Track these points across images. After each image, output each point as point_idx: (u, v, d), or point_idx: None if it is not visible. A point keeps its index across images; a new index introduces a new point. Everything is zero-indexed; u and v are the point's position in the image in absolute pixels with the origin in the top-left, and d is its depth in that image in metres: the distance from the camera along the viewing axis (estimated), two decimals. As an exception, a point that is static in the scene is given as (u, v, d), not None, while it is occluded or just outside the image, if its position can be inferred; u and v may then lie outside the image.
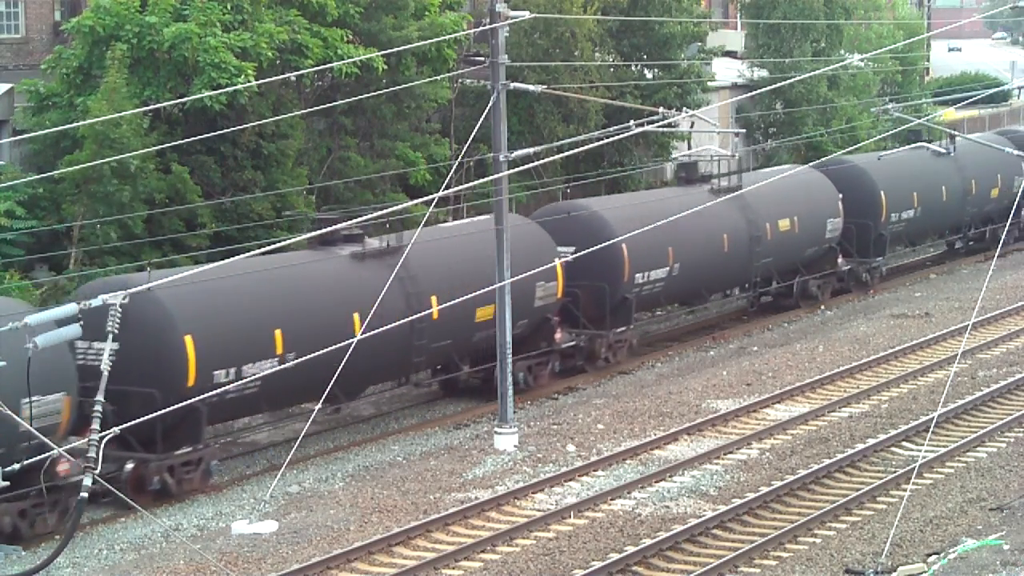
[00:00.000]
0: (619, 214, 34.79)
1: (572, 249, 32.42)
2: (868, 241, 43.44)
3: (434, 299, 29.09)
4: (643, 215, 33.58)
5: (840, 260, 42.68)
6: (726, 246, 37.98)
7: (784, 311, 41.47)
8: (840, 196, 42.23)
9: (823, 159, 43.83)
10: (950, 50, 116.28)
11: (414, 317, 27.37)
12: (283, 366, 25.35)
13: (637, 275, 34.91)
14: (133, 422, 14.86)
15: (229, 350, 25.63)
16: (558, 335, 33.27)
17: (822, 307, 42.28)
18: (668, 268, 35.99)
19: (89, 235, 30.66)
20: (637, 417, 29.58)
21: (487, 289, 27.14)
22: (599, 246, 29.07)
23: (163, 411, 17.13)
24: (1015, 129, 56.76)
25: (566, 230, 33.43)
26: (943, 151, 45.96)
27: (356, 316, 27.50)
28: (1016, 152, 35.07)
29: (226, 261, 19.74)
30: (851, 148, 46.82)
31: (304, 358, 21.93)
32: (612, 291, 34.25)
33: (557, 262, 32.18)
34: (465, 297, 24.60)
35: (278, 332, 26.42)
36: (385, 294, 25.83)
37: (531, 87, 30.36)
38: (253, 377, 25.45)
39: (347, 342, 21.76)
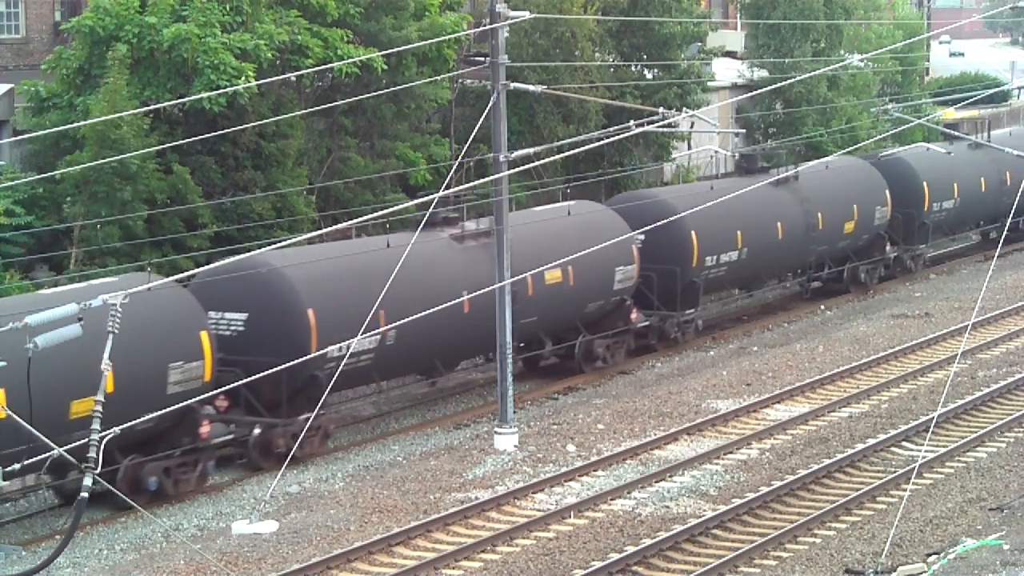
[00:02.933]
0: (688, 202, 35.81)
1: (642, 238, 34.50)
2: (912, 229, 45.80)
3: (530, 279, 31.23)
4: (712, 203, 34.72)
5: (888, 247, 44.97)
6: (781, 233, 40.12)
7: (835, 295, 43.63)
8: (887, 186, 44.56)
9: (874, 151, 47.13)
10: (952, 55, 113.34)
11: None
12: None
13: (707, 258, 37.27)
14: (130, 423, 14.78)
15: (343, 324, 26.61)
16: (634, 315, 35.26)
17: (822, 307, 42.33)
18: (737, 252, 38.46)
19: (89, 235, 30.68)
20: (637, 417, 29.59)
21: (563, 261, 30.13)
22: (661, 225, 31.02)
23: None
24: None
25: (638, 217, 34.71)
26: (977, 142, 48.33)
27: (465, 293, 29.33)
28: None
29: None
30: (851, 148, 46.79)
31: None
32: (682, 274, 36.48)
33: (634, 247, 34.61)
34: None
35: (381, 313, 26.97)
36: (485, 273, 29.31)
37: (531, 87, 30.37)
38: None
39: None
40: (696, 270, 36.77)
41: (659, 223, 30.64)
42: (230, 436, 26.38)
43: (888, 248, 44.96)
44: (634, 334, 35.70)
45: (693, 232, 36.10)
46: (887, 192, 44.26)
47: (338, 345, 25.80)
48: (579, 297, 33.79)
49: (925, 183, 46.10)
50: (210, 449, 25.83)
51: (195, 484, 25.86)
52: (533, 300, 31.91)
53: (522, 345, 33.30)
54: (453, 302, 26.68)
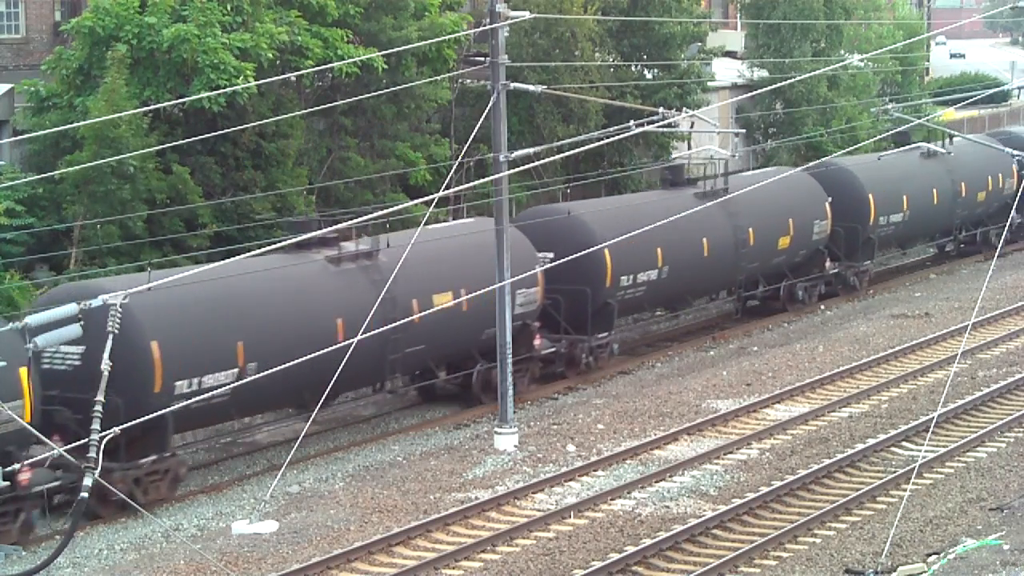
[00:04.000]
0: (600, 217, 34.39)
1: (552, 255, 31.64)
2: (856, 244, 43.16)
3: (415, 303, 29.34)
4: (628, 218, 33.57)
5: (828, 263, 42.23)
6: (707, 251, 37.28)
7: (773, 313, 41.12)
8: (829, 199, 41.67)
9: (816, 162, 42.75)
10: (952, 56, 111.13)
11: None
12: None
13: (622, 278, 34.57)
14: (116, 428, 14.63)
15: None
16: (537, 341, 32.80)
17: (822, 307, 42.31)
18: (657, 271, 35.67)
19: (89, 235, 30.68)
20: (637, 417, 29.59)
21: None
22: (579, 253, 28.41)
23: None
24: (1007, 130, 56.09)
25: (544, 236, 32.86)
26: (941, 151, 46.26)
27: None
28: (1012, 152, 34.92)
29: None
30: (851, 148, 46.80)
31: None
32: (594, 296, 33.76)
33: (538, 269, 31.56)
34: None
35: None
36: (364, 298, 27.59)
37: (531, 87, 30.36)
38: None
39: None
40: (610, 291, 34.02)
41: (576, 252, 28.09)
42: (57, 483, 23.83)
43: (828, 264, 41.87)
44: (540, 361, 33.13)
45: (607, 251, 32.78)
46: (827, 205, 41.27)
47: (187, 381, 24.77)
48: (474, 323, 30.77)
49: (871, 195, 43.15)
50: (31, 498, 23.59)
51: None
52: (420, 327, 28.81)
53: (418, 373, 31.64)
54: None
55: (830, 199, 41.51)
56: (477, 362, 31.66)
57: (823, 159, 44.15)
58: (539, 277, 32.21)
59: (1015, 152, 32.59)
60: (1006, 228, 36.03)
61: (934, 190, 46.41)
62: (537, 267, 31.51)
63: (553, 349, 33.43)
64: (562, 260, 28.55)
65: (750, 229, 38.76)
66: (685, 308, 39.44)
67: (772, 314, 40.99)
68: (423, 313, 28.17)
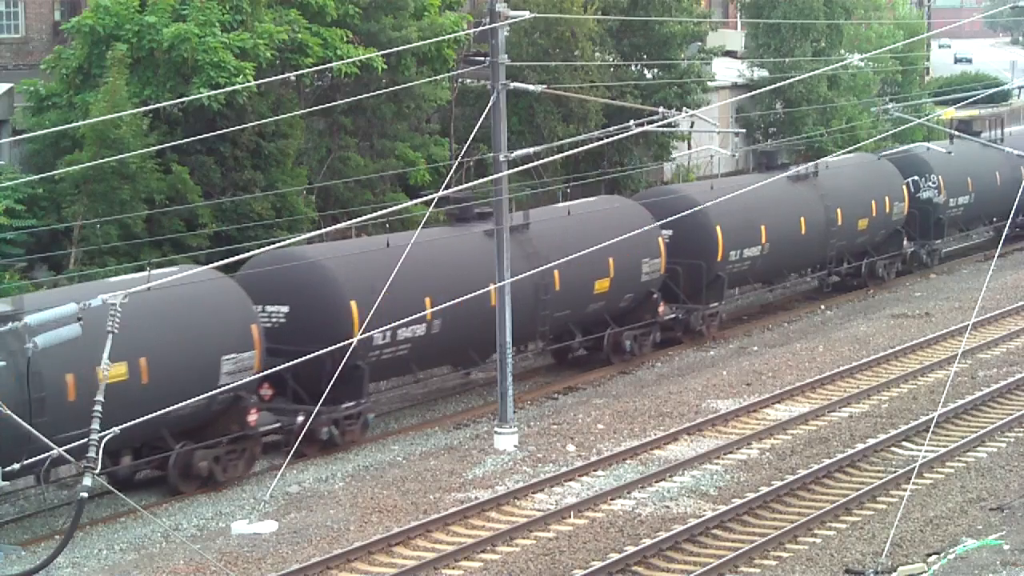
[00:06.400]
0: (710, 196, 35.43)
1: (671, 232, 34.35)
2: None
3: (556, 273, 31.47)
4: (734, 198, 34.25)
5: (662, 308, 36.11)
6: (804, 228, 39.99)
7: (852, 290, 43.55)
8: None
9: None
10: (957, 60, 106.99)
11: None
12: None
13: (731, 253, 37.02)
14: (109, 431, 14.50)
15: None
16: (661, 308, 35.32)
17: (822, 307, 42.32)
18: (760, 247, 38.32)
19: (89, 235, 30.67)
20: (637, 417, 29.57)
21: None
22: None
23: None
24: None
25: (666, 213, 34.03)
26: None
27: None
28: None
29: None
30: (851, 148, 46.80)
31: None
32: (708, 268, 36.36)
33: (660, 241, 34.42)
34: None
35: (427, 299, 28.45)
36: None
37: (531, 87, 30.35)
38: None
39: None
40: (721, 264, 36.71)
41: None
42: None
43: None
44: (660, 327, 35.76)
45: (718, 226, 36.31)
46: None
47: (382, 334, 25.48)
48: (615, 291, 33.97)
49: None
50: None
51: None
52: (565, 294, 32.20)
53: (552, 338, 33.39)
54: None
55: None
56: (609, 326, 34.29)
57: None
58: (662, 250, 35.20)
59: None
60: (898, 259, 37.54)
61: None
62: (660, 240, 34.51)
63: (674, 315, 36.09)
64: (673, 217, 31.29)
65: (838, 209, 41.68)
66: (783, 282, 41.92)
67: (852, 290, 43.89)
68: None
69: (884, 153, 46.51)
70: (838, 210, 41.69)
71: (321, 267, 27.92)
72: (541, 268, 29.10)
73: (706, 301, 36.88)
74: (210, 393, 24.07)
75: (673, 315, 35.32)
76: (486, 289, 27.59)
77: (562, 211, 33.90)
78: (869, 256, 44.38)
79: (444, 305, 25.79)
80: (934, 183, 46.78)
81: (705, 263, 36.56)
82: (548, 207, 35.36)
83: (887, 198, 44.11)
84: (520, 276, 28.25)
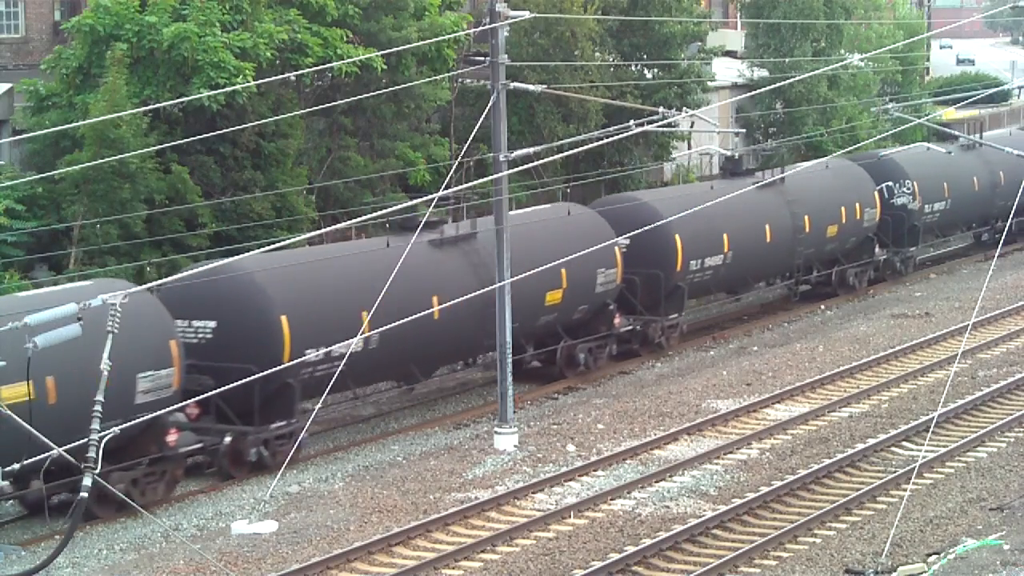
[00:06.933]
0: (669, 204, 34.92)
1: (628, 241, 32.65)
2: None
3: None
4: (695, 206, 33.08)
5: (617, 320, 34.76)
6: (769, 236, 38.98)
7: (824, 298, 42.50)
8: (623, 244, 35.19)
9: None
10: (960, 62, 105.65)
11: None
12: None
13: (691, 262, 35.87)
14: (109, 432, 14.47)
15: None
16: (617, 320, 34.07)
17: (822, 307, 42.31)
18: (723, 256, 37.20)
19: (89, 235, 30.67)
20: (637, 417, 29.57)
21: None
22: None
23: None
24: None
25: (620, 220, 33.64)
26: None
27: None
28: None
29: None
30: (851, 148, 46.79)
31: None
32: (667, 279, 35.15)
33: (617, 250, 33.13)
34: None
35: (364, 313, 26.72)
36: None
37: (531, 87, 30.36)
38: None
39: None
40: (681, 274, 35.05)
41: None
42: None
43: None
44: (617, 339, 34.42)
45: (677, 236, 34.46)
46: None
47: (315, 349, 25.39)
48: (568, 302, 32.44)
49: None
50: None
51: None
52: (514, 305, 28.55)
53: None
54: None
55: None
56: (562, 339, 33.01)
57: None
58: (618, 260, 33.70)
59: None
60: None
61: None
62: (617, 249, 33.12)
63: (631, 327, 34.69)
64: (631, 234, 30.01)
65: (806, 216, 40.37)
66: (747, 292, 40.90)
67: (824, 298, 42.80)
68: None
69: (857, 158, 44.96)
70: (806, 217, 40.39)
71: (250, 280, 26.34)
72: (492, 284, 27.98)
73: (665, 312, 35.29)
74: (134, 422, 21.28)
75: (630, 327, 33.76)
76: (432, 309, 27.16)
77: (513, 220, 30.32)
78: (840, 264, 43.19)
79: (389, 326, 23.48)
80: (908, 189, 45.32)
81: (663, 273, 34.91)
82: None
83: (858, 204, 42.89)
84: (465, 297, 25.84)
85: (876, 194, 43.85)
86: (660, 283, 34.86)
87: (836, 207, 41.86)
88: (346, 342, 25.48)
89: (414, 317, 23.76)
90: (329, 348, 26.07)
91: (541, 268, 26.93)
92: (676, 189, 41.01)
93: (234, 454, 26.23)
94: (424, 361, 29.22)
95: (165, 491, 25.19)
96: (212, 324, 26.21)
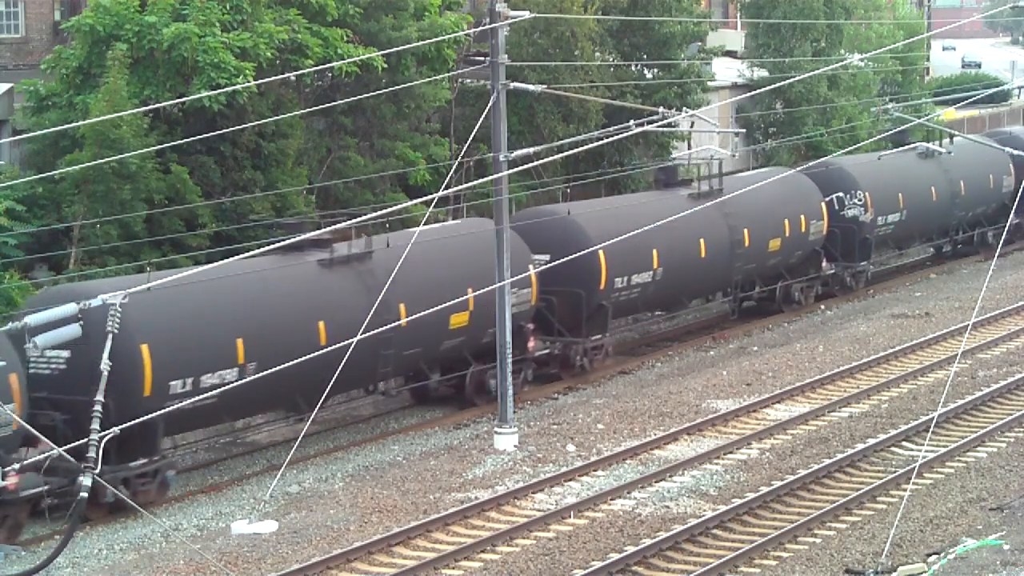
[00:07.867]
0: (596, 219, 33.25)
1: (547, 257, 30.40)
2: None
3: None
4: (623, 220, 32.08)
5: (531, 344, 32.92)
6: (704, 251, 36.41)
7: (769, 315, 40.94)
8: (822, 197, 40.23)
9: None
10: (965, 65, 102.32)
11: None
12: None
13: (616, 280, 33.59)
14: (109, 431, 14.41)
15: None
16: (531, 343, 31.95)
17: (822, 307, 42.30)
18: (651, 273, 34.76)
19: (89, 235, 30.67)
20: (637, 417, 29.57)
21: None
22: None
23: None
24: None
25: (541, 236, 31.92)
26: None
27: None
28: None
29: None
30: (851, 148, 46.76)
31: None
32: (589, 298, 32.85)
33: (532, 271, 30.75)
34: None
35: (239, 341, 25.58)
36: None
37: (531, 87, 30.34)
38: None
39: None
40: (604, 293, 32.67)
41: None
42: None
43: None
44: (534, 362, 32.36)
45: (600, 253, 31.61)
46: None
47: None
48: (475, 326, 30.32)
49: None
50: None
51: None
52: (413, 329, 27.53)
53: (411, 375, 31.00)
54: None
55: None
56: (470, 364, 30.92)
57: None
58: (533, 278, 31.24)
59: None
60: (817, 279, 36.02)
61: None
62: (531, 268, 30.73)
63: (547, 351, 32.58)
64: (557, 262, 27.51)
65: (745, 230, 38.03)
66: (681, 310, 38.74)
67: (769, 315, 40.65)
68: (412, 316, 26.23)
69: (803, 167, 41.61)
70: (744, 230, 38.00)
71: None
72: (388, 307, 26.52)
73: (587, 333, 33.11)
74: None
75: (546, 350, 31.85)
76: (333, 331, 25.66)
77: (419, 237, 28.40)
78: (784, 279, 40.77)
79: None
80: (860, 200, 42.66)
81: (585, 292, 32.68)
82: (401, 231, 30.87)
83: (803, 217, 40.36)
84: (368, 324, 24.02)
85: (824, 205, 41.40)
86: (582, 302, 32.60)
87: (779, 220, 39.51)
88: (217, 372, 24.04)
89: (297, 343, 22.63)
90: (197, 378, 24.35)
91: (443, 289, 25.87)
92: (602, 201, 38.02)
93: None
94: (310, 390, 25.82)
95: (7, 536, 23.10)
96: (65, 354, 23.79)
